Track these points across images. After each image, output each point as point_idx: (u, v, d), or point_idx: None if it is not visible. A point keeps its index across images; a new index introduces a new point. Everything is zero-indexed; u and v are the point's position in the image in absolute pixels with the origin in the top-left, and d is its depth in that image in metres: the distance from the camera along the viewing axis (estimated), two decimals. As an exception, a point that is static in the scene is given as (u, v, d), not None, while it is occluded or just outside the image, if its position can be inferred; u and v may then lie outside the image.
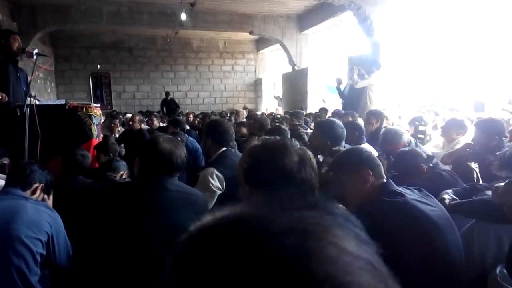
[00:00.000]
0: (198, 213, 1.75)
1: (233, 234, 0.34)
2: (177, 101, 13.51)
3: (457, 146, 3.59)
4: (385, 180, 1.63)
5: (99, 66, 9.37)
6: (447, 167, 3.03)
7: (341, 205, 1.55)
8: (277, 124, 6.09)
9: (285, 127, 5.49)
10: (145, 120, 8.30)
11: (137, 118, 5.69)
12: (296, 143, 1.20)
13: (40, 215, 1.85)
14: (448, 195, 2.09)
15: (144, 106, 12.85)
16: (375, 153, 3.42)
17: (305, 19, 10.44)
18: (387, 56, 7.13)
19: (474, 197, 2.08)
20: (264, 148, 1.18)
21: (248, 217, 0.36)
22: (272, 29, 10.74)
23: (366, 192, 1.60)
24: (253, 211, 0.37)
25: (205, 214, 1.47)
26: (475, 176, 2.87)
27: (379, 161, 1.67)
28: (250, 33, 10.90)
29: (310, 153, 1.17)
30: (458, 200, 2.06)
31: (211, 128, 2.85)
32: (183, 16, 8.44)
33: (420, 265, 1.40)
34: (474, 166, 2.89)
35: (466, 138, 3.51)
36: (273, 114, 9.09)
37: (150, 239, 1.57)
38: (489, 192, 2.23)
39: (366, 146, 3.56)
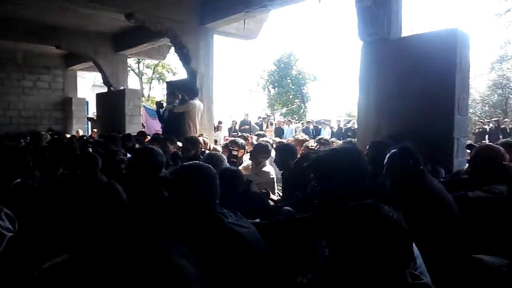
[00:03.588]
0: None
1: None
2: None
3: (264, 168, 4.06)
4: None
5: None
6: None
7: None
8: (89, 149, 5.57)
9: (98, 152, 5.06)
10: None
11: None
12: (102, 177, 1.09)
13: None
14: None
15: None
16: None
17: (121, 40, 10.04)
18: (202, 84, 7.54)
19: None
20: (69, 183, 1.03)
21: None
22: (83, 46, 9.88)
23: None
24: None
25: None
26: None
27: (215, 187, 1.73)
28: (58, 47, 9.74)
29: (119, 187, 1.09)
30: (261, 222, 2.30)
31: (1, 157, 2.37)
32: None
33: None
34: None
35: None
36: (85, 137, 8.31)
37: None
38: (288, 208, 2.59)
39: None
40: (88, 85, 17.25)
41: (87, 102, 13.84)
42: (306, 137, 5.54)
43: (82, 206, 0.97)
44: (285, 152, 3.23)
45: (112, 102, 10.34)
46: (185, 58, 7.40)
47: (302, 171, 1.82)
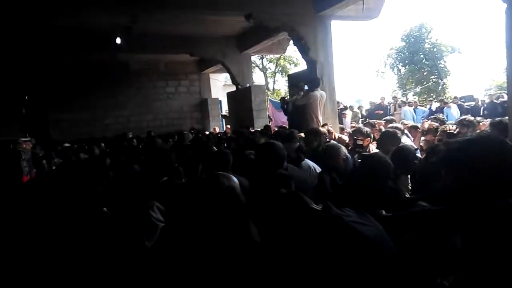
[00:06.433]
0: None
1: None
2: (120, 126, 13.11)
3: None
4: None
5: (26, 97, 8.65)
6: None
7: None
8: (224, 146, 6.10)
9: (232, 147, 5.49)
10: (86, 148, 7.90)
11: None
12: (225, 181, 1.18)
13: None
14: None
15: (85, 134, 12.21)
16: (318, 170, 3.53)
17: (244, 40, 10.64)
18: (323, 73, 7.43)
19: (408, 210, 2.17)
20: (190, 189, 1.15)
21: None
22: (212, 50, 10.81)
23: None
24: None
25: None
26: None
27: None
28: (191, 54, 10.88)
29: (239, 192, 1.15)
30: (394, 214, 2.14)
31: (151, 159, 2.78)
32: (119, 40, 8.21)
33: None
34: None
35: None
36: (220, 134, 9.08)
37: None
38: (423, 203, 2.37)
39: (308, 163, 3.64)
40: (220, 85, 18.80)
41: (220, 101, 15.15)
42: (436, 124, 4.93)
43: (204, 209, 1.07)
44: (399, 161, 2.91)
45: (240, 99, 11.06)
46: (303, 49, 7.40)
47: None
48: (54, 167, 5.80)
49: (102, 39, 8.70)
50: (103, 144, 8.32)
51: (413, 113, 12.42)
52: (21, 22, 7.59)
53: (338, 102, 9.28)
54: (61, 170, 5.17)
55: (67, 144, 8.29)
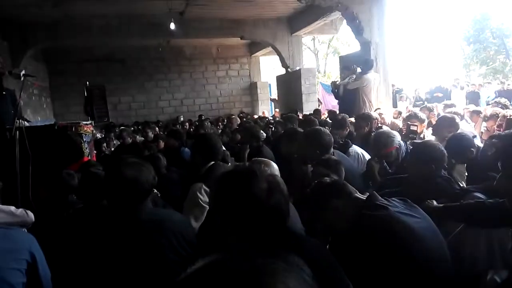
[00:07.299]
0: (176, 238, 1.74)
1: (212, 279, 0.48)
2: (173, 109, 13.58)
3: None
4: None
5: (87, 83, 9.22)
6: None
7: None
8: (273, 129, 6.09)
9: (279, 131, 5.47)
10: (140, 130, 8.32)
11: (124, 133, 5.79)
12: (266, 169, 1.18)
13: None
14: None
15: (141, 116, 12.84)
16: (367, 156, 3.42)
17: (295, 21, 10.42)
18: (378, 55, 7.10)
19: (462, 200, 2.05)
20: (231, 177, 1.15)
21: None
22: (263, 33, 10.72)
23: None
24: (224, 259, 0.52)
25: (186, 236, 1.37)
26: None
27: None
28: (241, 38, 10.88)
29: (280, 179, 1.14)
30: (446, 204, 2.04)
31: (199, 143, 2.85)
32: (173, 26, 8.40)
33: (401, 277, 1.42)
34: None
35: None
36: (267, 118, 9.07)
37: (122, 271, 1.55)
38: (478, 194, 2.22)
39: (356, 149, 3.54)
40: (270, 68, 18.71)
41: (269, 85, 15.08)
42: (499, 110, 4.53)
43: (248, 196, 1.07)
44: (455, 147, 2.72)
45: (290, 83, 10.92)
46: (357, 30, 7.10)
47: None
48: (112, 149, 6.19)
49: (157, 25, 8.98)
50: (157, 128, 8.70)
51: (465, 97, 11.43)
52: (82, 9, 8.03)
53: (392, 85, 8.84)
54: (118, 152, 5.51)
55: (123, 127, 8.78)
